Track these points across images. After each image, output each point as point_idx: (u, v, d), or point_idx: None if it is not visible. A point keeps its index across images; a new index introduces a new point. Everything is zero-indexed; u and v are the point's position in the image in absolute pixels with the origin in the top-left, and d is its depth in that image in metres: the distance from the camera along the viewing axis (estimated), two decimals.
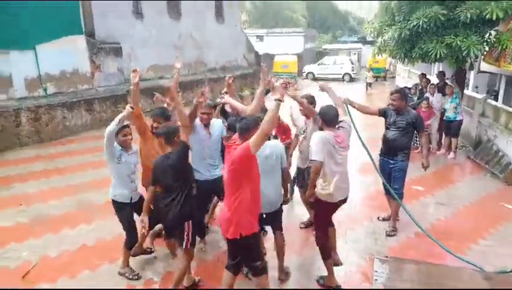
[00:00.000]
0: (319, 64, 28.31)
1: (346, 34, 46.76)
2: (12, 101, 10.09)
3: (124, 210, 4.21)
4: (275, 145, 3.94)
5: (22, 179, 7.47)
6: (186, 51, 17.94)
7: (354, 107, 4.98)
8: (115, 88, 13.11)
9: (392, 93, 5.25)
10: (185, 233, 3.75)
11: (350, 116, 4.43)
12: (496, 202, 6.58)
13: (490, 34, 7.75)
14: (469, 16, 7.23)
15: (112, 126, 3.83)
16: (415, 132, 5.45)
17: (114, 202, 4.21)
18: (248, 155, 3.07)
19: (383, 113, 5.31)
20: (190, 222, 3.77)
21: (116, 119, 3.85)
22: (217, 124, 4.67)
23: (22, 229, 5.51)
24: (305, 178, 4.84)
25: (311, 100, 4.77)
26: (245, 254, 3.50)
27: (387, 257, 4.18)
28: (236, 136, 3.44)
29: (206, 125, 4.53)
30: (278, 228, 4.16)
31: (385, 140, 5.26)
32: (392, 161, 5.16)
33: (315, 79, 26.85)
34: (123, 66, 13.94)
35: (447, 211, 6.15)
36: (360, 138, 4.78)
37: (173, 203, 3.70)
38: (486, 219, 5.93)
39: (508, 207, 6.36)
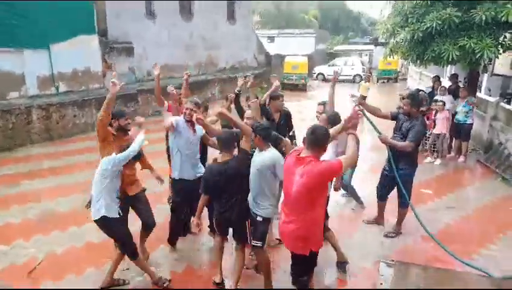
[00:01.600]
0: (329, 66, 28.16)
1: (359, 35, 46.50)
2: (24, 99, 10.23)
3: (121, 222, 4.03)
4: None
5: (31, 176, 7.55)
6: (197, 51, 18.02)
7: (366, 109, 4.83)
8: (125, 87, 13.18)
9: (403, 98, 5.14)
10: (247, 231, 3.96)
11: (367, 118, 4.23)
12: (505, 206, 6.46)
13: (505, 37, 7.62)
14: (484, 18, 7.11)
15: (136, 150, 3.83)
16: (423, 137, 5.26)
17: (107, 219, 3.84)
18: (338, 173, 3.06)
19: (395, 117, 5.19)
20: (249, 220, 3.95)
21: (139, 143, 3.85)
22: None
23: (29, 226, 5.57)
24: None
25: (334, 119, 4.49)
26: (303, 269, 3.37)
27: (393, 261, 4.12)
28: (301, 147, 3.26)
29: (191, 123, 4.52)
30: None
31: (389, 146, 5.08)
32: (397, 168, 4.74)
33: (325, 80, 26.71)
34: (135, 66, 14.04)
35: (455, 214, 6.06)
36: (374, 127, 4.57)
37: (235, 205, 3.84)
38: (496, 223, 5.83)
39: None
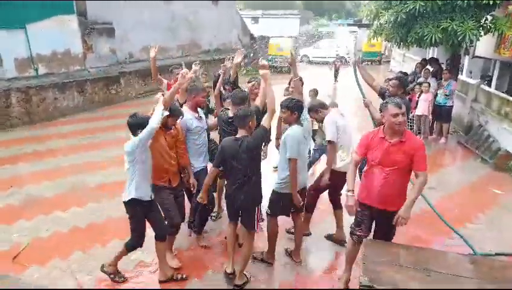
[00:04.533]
0: (314, 48, 28.08)
1: (343, 17, 46.34)
2: (2, 82, 9.94)
3: (143, 209, 3.81)
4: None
5: (13, 161, 7.42)
6: (180, 33, 17.69)
7: (362, 73, 5.16)
8: (107, 69, 12.94)
9: (390, 80, 5.21)
10: (256, 216, 3.91)
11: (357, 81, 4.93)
12: (485, 186, 6.66)
13: (486, 19, 7.70)
14: (466, 1, 7.17)
15: (157, 122, 3.59)
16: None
17: (135, 202, 3.72)
18: None
19: (382, 93, 5.24)
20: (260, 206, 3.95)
21: (159, 114, 3.62)
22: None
23: (12, 211, 5.51)
24: None
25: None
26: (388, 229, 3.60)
27: (376, 240, 4.22)
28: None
29: (197, 112, 4.46)
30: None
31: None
32: None
33: (310, 62, 26.66)
34: (116, 47, 13.74)
35: (436, 195, 6.19)
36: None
37: (246, 184, 3.73)
38: (475, 203, 6.01)
39: (496, 192, 6.44)
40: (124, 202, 3.76)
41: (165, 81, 5.75)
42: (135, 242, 3.91)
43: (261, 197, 3.93)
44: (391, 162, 3.36)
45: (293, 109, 3.96)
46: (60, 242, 4.75)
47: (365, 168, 3.70)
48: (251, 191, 3.79)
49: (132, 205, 3.74)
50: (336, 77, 18.45)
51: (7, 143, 8.54)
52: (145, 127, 3.56)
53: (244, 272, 4.03)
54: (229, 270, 4.06)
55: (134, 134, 3.59)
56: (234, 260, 4.08)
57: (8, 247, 4.63)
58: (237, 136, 3.76)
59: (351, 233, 3.81)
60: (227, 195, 3.97)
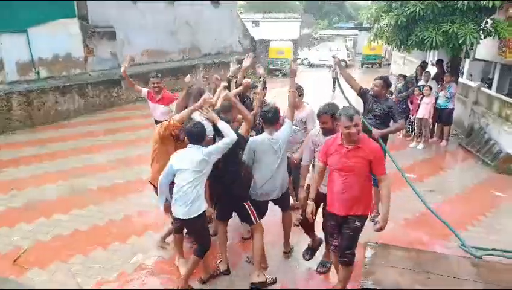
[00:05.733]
0: (314, 51, 28.16)
1: (343, 20, 46.42)
2: (4, 85, 9.97)
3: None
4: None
5: (14, 164, 7.42)
6: (181, 36, 17.75)
7: (342, 73, 5.20)
8: (108, 73, 12.97)
9: (375, 79, 5.22)
10: (250, 211, 3.97)
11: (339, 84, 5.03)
12: (486, 189, 6.65)
13: (487, 22, 7.72)
14: (466, 4, 7.19)
15: (232, 133, 3.65)
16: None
17: (203, 215, 3.73)
18: None
19: (363, 93, 5.24)
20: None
21: (227, 127, 3.69)
22: None
23: (13, 214, 5.50)
24: None
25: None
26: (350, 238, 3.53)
27: (376, 243, 4.22)
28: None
29: None
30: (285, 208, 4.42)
31: (363, 126, 5.22)
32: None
33: (311, 65, 26.72)
34: (117, 51, 13.79)
35: (437, 198, 6.19)
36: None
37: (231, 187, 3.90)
38: (476, 206, 6.00)
39: (497, 195, 6.43)
40: (196, 217, 3.63)
41: (145, 90, 5.80)
42: (207, 247, 3.84)
43: (245, 191, 4.09)
44: (349, 168, 3.34)
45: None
46: (60, 245, 4.73)
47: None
48: (239, 190, 3.96)
49: (204, 217, 3.72)
50: (335, 84, 18.08)
51: (8, 146, 8.54)
52: (204, 138, 3.64)
53: (265, 275, 3.98)
54: (223, 268, 4.13)
55: (196, 143, 3.60)
56: (227, 257, 4.19)
57: (9, 250, 4.61)
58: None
59: (329, 244, 3.84)
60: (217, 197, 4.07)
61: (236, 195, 3.94)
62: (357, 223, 3.42)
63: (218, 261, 4.24)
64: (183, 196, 3.56)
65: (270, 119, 4.04)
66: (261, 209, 4.19)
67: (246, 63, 5.03)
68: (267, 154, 4.00)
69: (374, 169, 3.34)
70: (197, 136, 3.59)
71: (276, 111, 4.11)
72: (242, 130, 3.99)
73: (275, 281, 4.03)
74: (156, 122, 5.56)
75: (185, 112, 3.97)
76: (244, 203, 3.97)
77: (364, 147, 3.33)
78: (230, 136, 3.58)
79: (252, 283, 3.89)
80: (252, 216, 3.96)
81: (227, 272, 4.14)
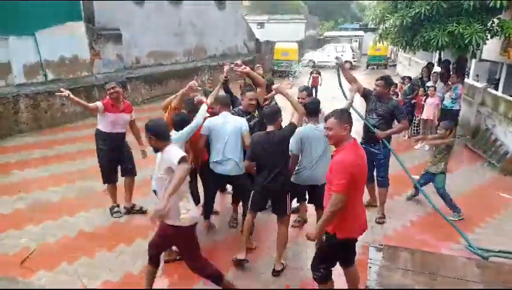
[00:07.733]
0: (319, 52, 28.10)
1: (348, 21, 46.35)
2: (11, 88, 10.06)
3: None
4: None
5: (21, 166, 7.48)
6: (186, 38, 17.82)
7: (345, 74, 5.28)
8: (114, 75, 13.04)
9: (377, 80, 5.25)
10: (287, 203, 4.15)
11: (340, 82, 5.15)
12: (492, 191, 6.61)
13: (493, 22, 7.68)
14: (472, 4, 7.16)
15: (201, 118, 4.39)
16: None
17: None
18: None
19: (366, 93, 5.30)
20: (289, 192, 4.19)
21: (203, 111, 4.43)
22: None
23: (20, 216, 5.54)
24: None
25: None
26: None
27: (382, 245, 4.21)
28: None
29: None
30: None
31: (366, 128, 5.27)
32: (375, 149, 5.18)
33: (315, 66, 26.65)
34: (123, 53, 13.87)
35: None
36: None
37: (278, 176, 4.00)
38: (483, 207, 5.97)
39: (504, 196, 6.39)
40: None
41: (99, 103, 5.51)
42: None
43: (290, 182, 4.26)
44: (328, 178, 3.18)
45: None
46: (67, 247, 4.77)
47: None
48: (283, 180, 4.05)
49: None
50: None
51: (15, 148, 8.62)
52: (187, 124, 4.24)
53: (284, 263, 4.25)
54: (241, 257, 4.23)
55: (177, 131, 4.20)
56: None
57: (17, 251, 4.65)
58: (268, 130, 4.12)
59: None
60: (257, 191, 4.15)
61: (282, 185, 4.07)
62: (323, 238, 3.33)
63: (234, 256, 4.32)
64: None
65: (315, 110, 4.37)
66: (300, 193, 4.64)
67: (226, 67, 5.41)
68: (315, 143, 4.25)
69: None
70: (175, 123, 4.25)
71: (318, 102, 4.50)
72: (294, 119, 4.12)
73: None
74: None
75: (179, 94, 4.60)
76: (286, 194, 4.13)
77: (334, 156, 3.18)
78: (196, 121, 4.30)
79: (274, 271, 4.18)
80: (287, 207, 4.14)
81: (245, 261, 4.27)
